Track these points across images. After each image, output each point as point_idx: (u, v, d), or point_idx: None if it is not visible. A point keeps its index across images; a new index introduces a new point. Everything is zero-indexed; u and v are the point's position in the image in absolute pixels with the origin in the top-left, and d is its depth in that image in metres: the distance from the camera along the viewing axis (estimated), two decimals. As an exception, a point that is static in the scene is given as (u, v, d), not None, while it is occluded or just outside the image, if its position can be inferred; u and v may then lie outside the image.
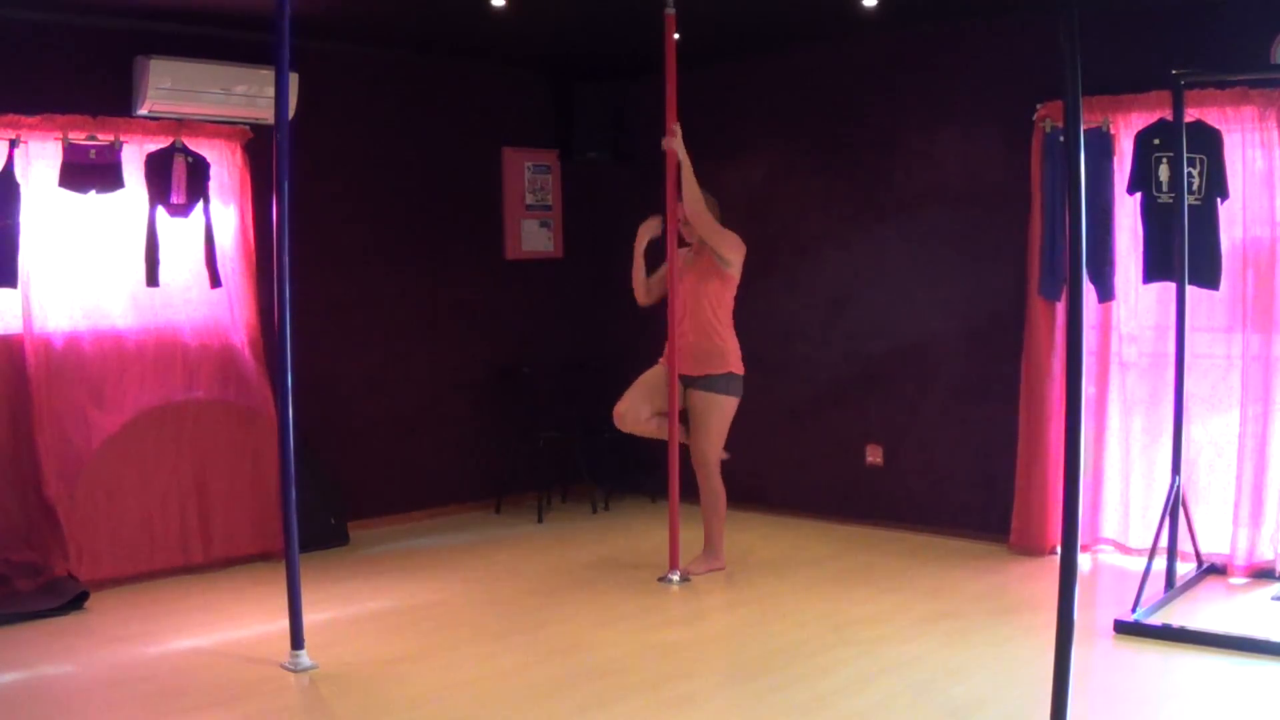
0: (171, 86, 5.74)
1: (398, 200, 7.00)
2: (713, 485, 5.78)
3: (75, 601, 5.27)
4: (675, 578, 5.68)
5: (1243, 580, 5.36)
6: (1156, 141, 5.48)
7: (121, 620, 5.14)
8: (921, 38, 6.43)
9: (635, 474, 7.63)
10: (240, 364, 6.11)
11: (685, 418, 5.82)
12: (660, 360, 5.85)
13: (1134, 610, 4.69)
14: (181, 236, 5.91)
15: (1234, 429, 5.45)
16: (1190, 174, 5.24)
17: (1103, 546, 5.94)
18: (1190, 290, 5.15)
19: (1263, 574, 5.34)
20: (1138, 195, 5.59)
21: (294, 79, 5.70)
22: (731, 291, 5.76)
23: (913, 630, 4.82)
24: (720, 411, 5.71)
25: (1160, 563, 4.99)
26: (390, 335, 7.00)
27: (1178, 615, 4.81)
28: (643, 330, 7.16)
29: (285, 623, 4.51)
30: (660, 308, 5.89)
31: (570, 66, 7.51)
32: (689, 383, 5.75)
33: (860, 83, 6.74)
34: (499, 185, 7.52)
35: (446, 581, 5.77)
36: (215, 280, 5.98)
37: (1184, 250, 5.07)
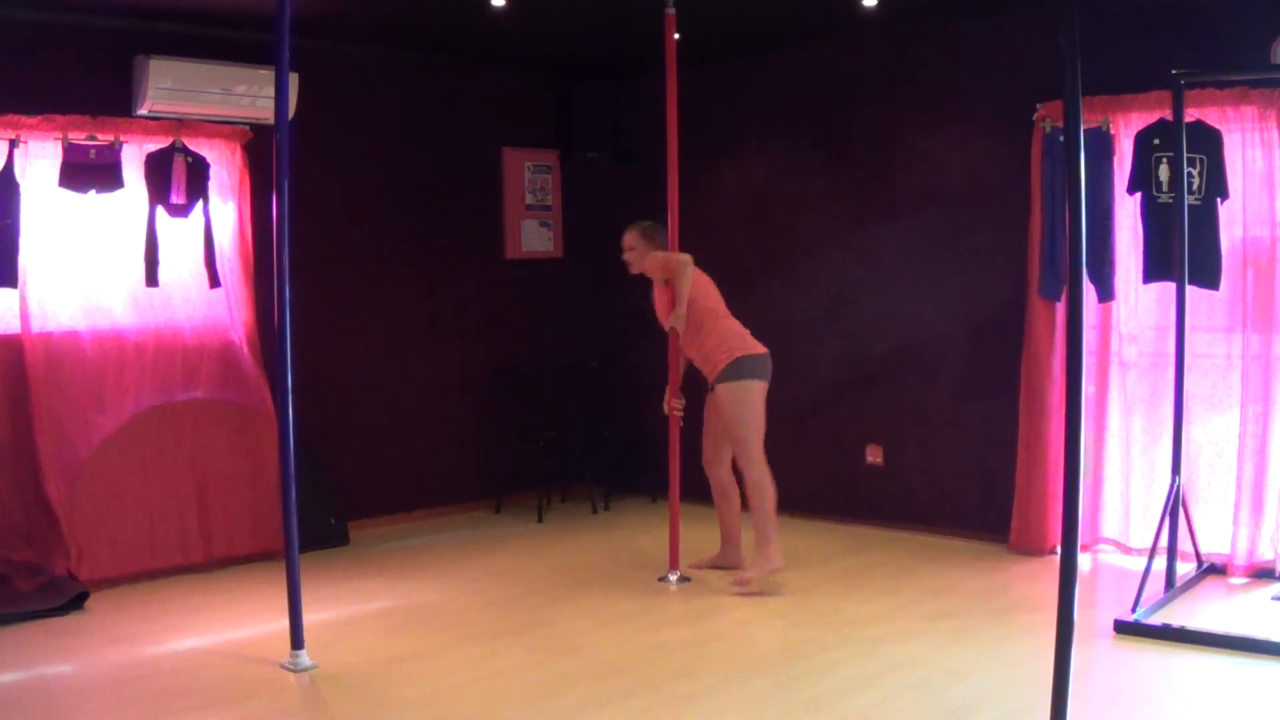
0: (171, 86, 5.74)
1: (398, 200, 7.00)
2: (754, 479, 5.46)
3: (75, 601, 5.27)
4: (675, 578, 5.68)
5: (1243, 580, 5.36)
6: (1156, 141, 5.48)
7: (121, 620, 5.14)
8: (921, 38, 6.43)
9: (635, 474, 7.64)
10: (240, 364, 6.11)
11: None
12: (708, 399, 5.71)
13: (1134, 610, 4.70)
14: (181, 236, 5.91)
15: (1234, 429, 5.45)
16: (1190, 174, 5.24)
17: (1103, 546, 5.94)
18: (1190, 290, 5.15)
19: (1263, 574, 5.34)
20: (1138, 195, 5.59)
21: (294, 79, 5.70)
22: (704, 301, 5.57)
23: (913, 630, 4.82)
24: (738, 398, 5.47)
25: (1160, 563, 4.99)
26: (390, 335, 7.00)
27: (1178, 615, 4.81)
28: (642, 330, 7.15)
29: (285, 623, 4.52)
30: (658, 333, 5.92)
31: (570, 66, 7.51)
32: (712, 390, 5.64)
33: (860, 82, 6.74)
34: (499, 185, 7.52)
35: (446, 581, 5.77)
36: (214, 280, 5.98)
37: (1184, 250, 5.07)
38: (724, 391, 5.52)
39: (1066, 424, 3.20)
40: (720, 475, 5.79)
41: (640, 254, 5.70)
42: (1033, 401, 5.96)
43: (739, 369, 5.50)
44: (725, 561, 5.88)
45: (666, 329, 5.70)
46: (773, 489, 5.46)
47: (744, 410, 5.47)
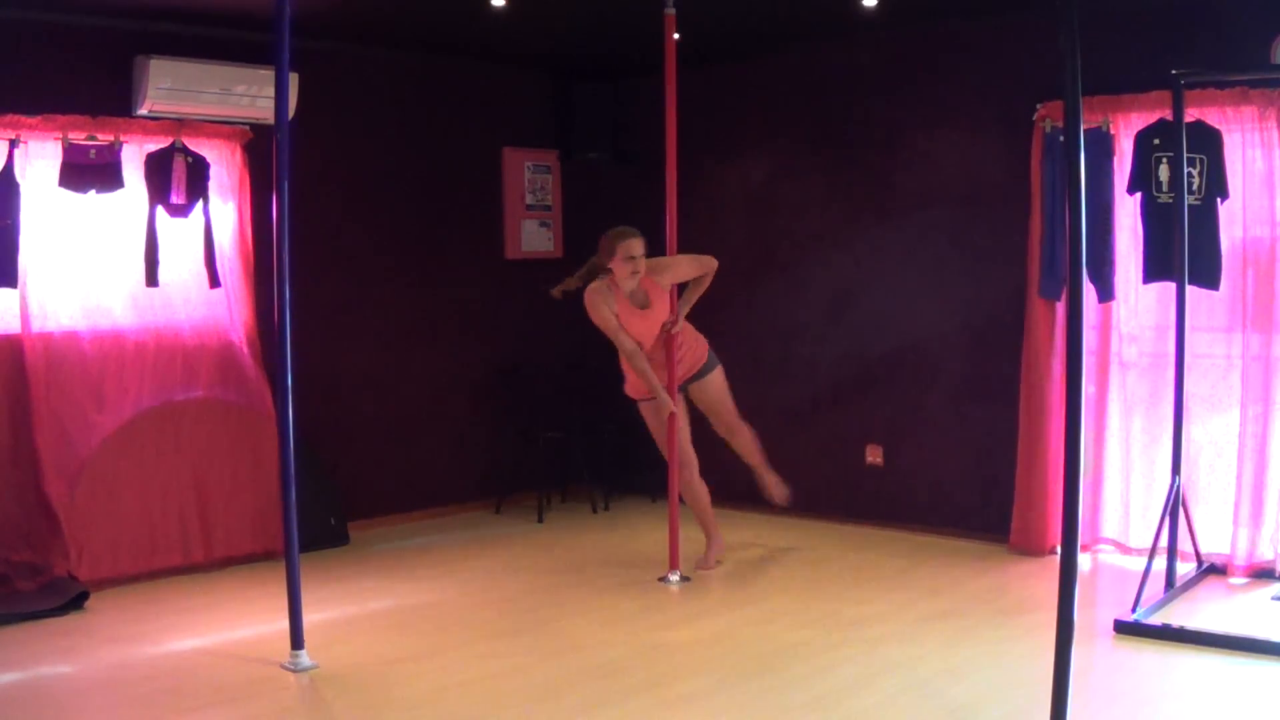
0: (171, 86, 5.74)
1: (398, 200, 7.00)
2: (747, 431, 6.09)
3: (75, 601, 5.27)
4: (675, 578, 5.68)
5: (1243, 580, 5.36)
6: (1156, 141, 5.48)
7: (121, 620, 5.14)
8: (921, 38, 6.43)
9: (635, 474, 7.63)
10: (239, 364, 6.11)
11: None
12: (635, 399, 5.90)
13: (1134, 610, 4.70)
14: (181, 236, 5.91)
15: (1234, 429, 5.45)
16: (1190, 174, 5.24)
17: (1103, 546, 5.94)
18: (1190, 290, 5.15)
19: (1263, 574, 5.34)
20: (1138, 195, 5.59)
21: (294, 79, 5.70)
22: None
23: (913, 630, 4.82)
24: (722, 377, 5.98)
25: (1160, 563, 4.99)
26: (390, 335, 7.00)
27: (1178, 615, 4.81)
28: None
29: (285, 623, 4.52)
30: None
31: (570, 66, 7.51)
32: (695, 381, 5.85)
33: (860, 83, 6.74)
34: (499, 185, 7.52)
35: (446, 581, 5.77)
36: (214, 280, 5.98)
37: (1184, 250, 5.07)
38: (717, 376, 5.96)
39: (1066, 424, 3.21)
40: (694, 474, 5.89)
41: (642, 261, 5.61)
42: (1033, 401, 5.96)
43: (713, 353, 5.96)
44: (717, 552, 5.97)
45: (672, 331, 5.69)
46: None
47: (726, 384, 6.00)
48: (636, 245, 5.56)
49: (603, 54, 7.21)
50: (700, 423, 6.07)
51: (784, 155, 7.12)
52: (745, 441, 6.12)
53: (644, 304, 5.68)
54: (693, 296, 5.71)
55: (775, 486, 6.23)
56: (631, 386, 5.89)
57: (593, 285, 5.69)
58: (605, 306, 5.65)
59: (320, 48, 6.41)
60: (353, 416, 6.81)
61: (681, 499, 5.85)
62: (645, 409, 5.86)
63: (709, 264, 5.71)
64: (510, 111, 7.56)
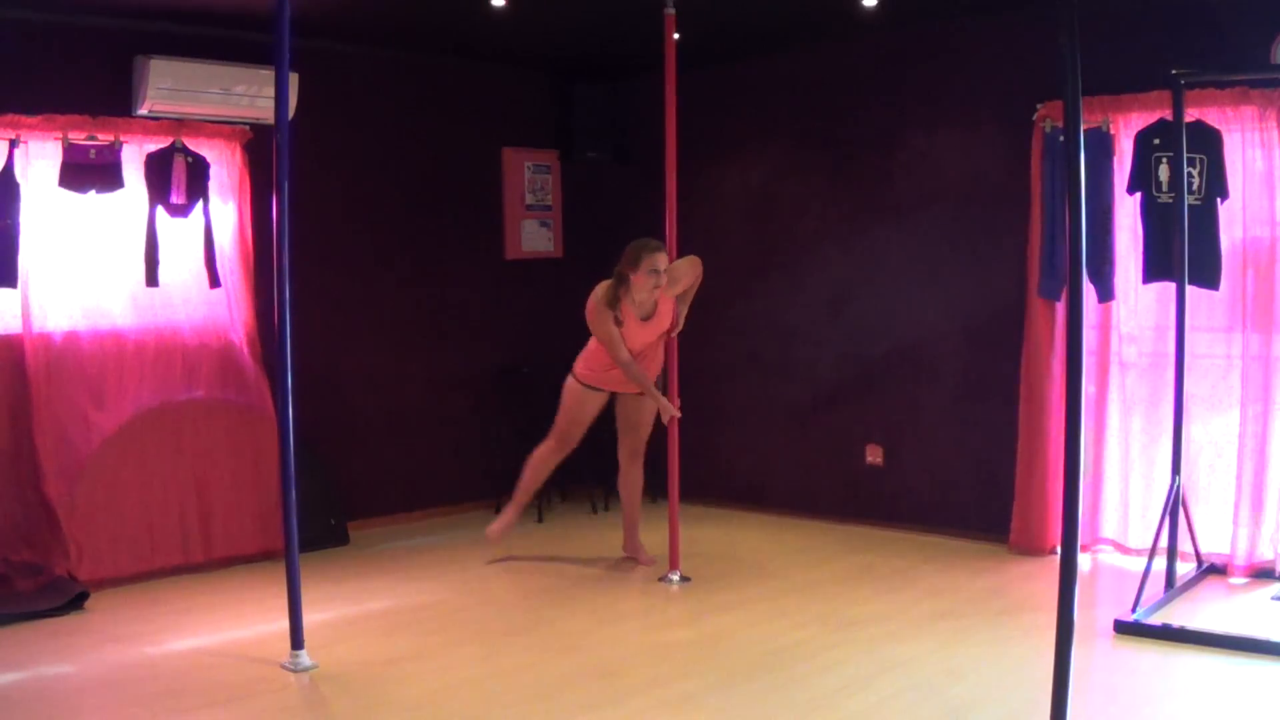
0: (171, 86, 5.74)
1: (398, 200, 7.00)
2: (640, 477, 6.05)
3: (75, 601, 5.27)
4: (675, 578, 5.68)
5: (1243, 580, 5.36)
6: (1156, 141, 5.48)
7: (121, 620, 5.14)
8: (921, 38, 6.43)
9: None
10: (240, 364, 6.12)
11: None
12: (588, 385, 5.86)
13: (1134, 610, 4.70)
14: (181, 236, 5.91)
15: (1234, 429, 5.45)
16: (1190, 174, 5.24)
17: (1103, 546, 5.94)
18: (1190, 290, 5.15)
19: (1263, 574, 5.35)
20: (1138, 195, 5.59)
21: (294, 79, 5.70)
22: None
23: (913, 630, 4.82)
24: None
25: (1160, 563, 4.99)
26: (390, 335, 7.00)
27: (1178, 615, 4.81)
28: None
29: (285, 623, 4.52)
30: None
31: (570, 66, 7.51)
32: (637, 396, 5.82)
33: (860, 83, 6.74)
34: (499, 185, 7.52)
35: (446, 581, 5.77)
36: (215, 280, 5.98)
37: (1184, 250, 5.07)
38: (648, 401, 5.77)
39: (1066, 424, 3.21)
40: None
41: (664, 276, 5.52)
42: (1033, 401, 5.96)
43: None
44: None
45: (674, 335, 5.69)
46: None
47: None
48: (663, 259, 5.47)
49: (603, 54, 7.21)
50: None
51: (784, 155, 7.13)
52: (635, 480, 6.01)
53: (649, 314, 5.61)
54: (688, 301, 5.70)
55: (641, 551, 6.01)
56: (584, 368, 5.83)
57: (597, 292, 5.56)
58: (609, 317, 5.54)
59: (320, 48, 6.41)
60: (353, 416, 6.81)
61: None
62: (589, 397, 5.88)
63: (699, 265, 5.71)
64: (510, 111, 7.56)
